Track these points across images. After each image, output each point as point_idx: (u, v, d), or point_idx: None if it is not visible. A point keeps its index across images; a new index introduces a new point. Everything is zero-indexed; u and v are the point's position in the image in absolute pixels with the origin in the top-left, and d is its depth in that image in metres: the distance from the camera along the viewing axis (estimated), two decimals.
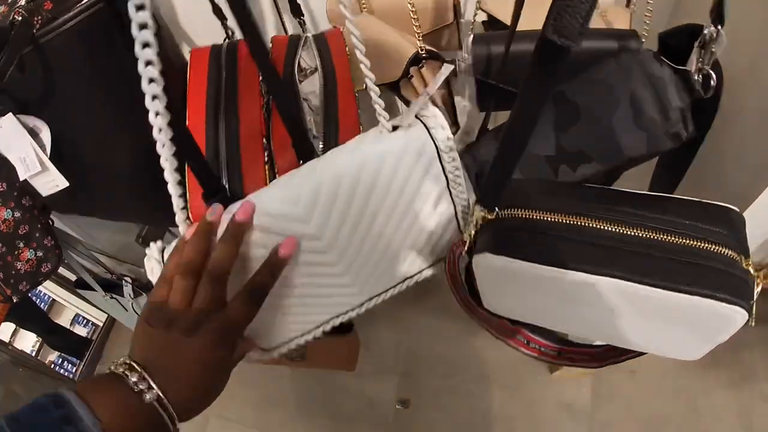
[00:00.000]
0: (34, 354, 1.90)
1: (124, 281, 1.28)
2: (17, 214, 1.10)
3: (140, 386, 0.39)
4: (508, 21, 0.80)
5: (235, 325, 0.46)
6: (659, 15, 0.75)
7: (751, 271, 0.43)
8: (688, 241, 0.44)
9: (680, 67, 0.58)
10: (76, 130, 0.88)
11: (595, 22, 0.83)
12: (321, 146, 0.67)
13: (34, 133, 0.86)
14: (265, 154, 0.67)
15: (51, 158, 0.87)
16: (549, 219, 0.48)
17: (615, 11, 0.86)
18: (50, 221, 1.17)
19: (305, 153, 0.56)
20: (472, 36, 0.75)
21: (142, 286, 1.29)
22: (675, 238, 0.45)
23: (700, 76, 0.56)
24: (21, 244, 1.12)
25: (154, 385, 0.40)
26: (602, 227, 0.46)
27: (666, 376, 1.44)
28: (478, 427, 1.49)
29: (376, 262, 0.57)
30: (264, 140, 0.68)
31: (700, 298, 0.41)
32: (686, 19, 0.58)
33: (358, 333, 1.13)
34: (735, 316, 0.42)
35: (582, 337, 0.56)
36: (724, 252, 0.43)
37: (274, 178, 0.66)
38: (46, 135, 0.87)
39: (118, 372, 0.40)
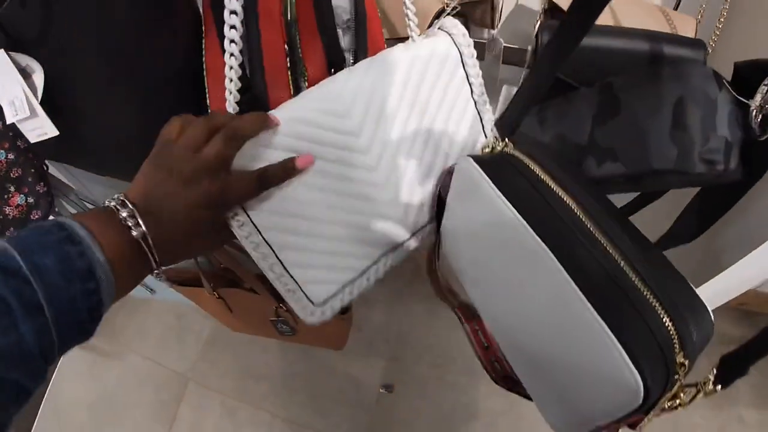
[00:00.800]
0: None
1: None
2: (11, 156, 1.05)
3: (129, 222, 0.42)
4: None
5: (232, 194, 0.47)
6: (727, 31, 0.72)
7: (681, 372, 0.38)
8: (640, 286, 0.39)
9: (741, 99, 0.54)
10: (76, 77, 0.81)
11: (661, 26, 0.80)
12: (351, 60, 0.66)
13: (26, 74, 0.80)
14: (287, 60, 0.63)
15: (42, 103, 0.82)
16: (543, 178, 0.45)
17: (681, 18, 0.83)
18: (45, 166, 1.12)
19: (337, 59, 0.59)
20: (539, 23, 0.72)
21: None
22: (631, 272, 0.40)
23: (761, 115, 0.53)
24: (12, 188, 1.07)
25: (141, 223, 0.42)
26: (577, 212, 0.43)
27: None
28: (461, 418, 1.48)
29: (413, 178, 0.57)
30: (286, 47, 0.63)
31: (612, 337, 0.36)
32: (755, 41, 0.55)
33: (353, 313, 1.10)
34: (631, 384, 0.36)
35: (480, 307, 0.55)
36: (666, 327, 0.38)
37: (298, 85, 0.63)
38: (39, 77, 0.81)
39: (111, 206, 0.43)
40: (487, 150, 0.51)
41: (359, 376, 1.57)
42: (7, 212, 1.07)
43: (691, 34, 0.80)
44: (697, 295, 0.42)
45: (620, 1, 0.81)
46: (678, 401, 0.40)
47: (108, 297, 0.41)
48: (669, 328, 0.38)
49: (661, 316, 0.38)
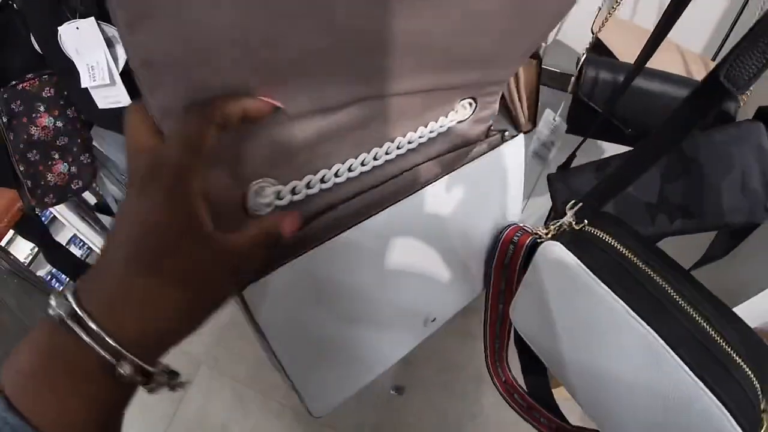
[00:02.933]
0: (26, 265, 1.87)
1: None
2: (59, 124, 1.06)
3: (54, 301, 0.25)
4: (619, 53, 0.82)
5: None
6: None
7: (764, 417, 0.42)
8: (725, 346, 0.42)
9: None
10: None
11: (686, 71, 0.83)
12: None
13: (110, 44, 0.82)
14: None
15: (121, 74, 0.83)
16: (626, 254, 0.47)
17: (709, 63, 0.86)
18: (90, 138, 1.12)
19: None
20: (585, 56, 0.74)
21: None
22: (716, 334, 0.43)
23: None
24: (56, 156, 1.08)
25: (68, 293, 0.25)
26: (662, 284, 0.46)
27: None
28: (467, 427, 1.49)
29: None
30: None
31: (712, 397, 0.39)
32: None
33: None
34: None
35: (576, 384, 0.54)
36: (751, 380, 0.42)
37: None
38: (122, 48, 0.82)
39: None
40: (564, 228, 0.51)
41: None
42: (48, 179, 1.08)
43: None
44: (764, 344, 0.46)
45: (664, 47, 0.84)
46: None
47: None
48: (754, 383, 0.41)
49: (747, 372, 0.41)
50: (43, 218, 1.98)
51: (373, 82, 0.35)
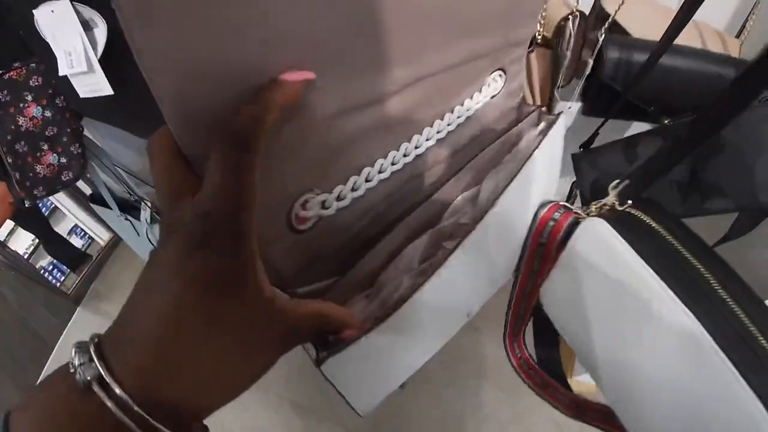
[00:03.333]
0: (27, 257, 1.86)
1: (143, 204, 1.22)
2: (47, 114, 1.03)
3: (78, 360, 0.22)
4: (633, 30, 0.79)
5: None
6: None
7: None
8: None
9: None
10: None
11: (708, 45, 0.80)
12: None
13: (88, 27, 0.77)
14: None
15: (101, 60, 0.79)
16: (671, 241, 0.45)
17: (726, 38, 0.82)
18: (80, 128, 1.10)
19: None
20: (603, 36, 0.71)
21: (160, 212, 1.23)
22: (759, 334, 0.40)
23: None
24: (45, 147, 1.05)
25: (95, 358, 0.22)
26: (709, 278, 0.43)
27: None
28: (469, 423, 1.47)
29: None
30: None
31: (753, 396, 0.37)
32: None
33: None
34: None
35: (604, 372, 0.51)
36: None
37: None
38: (101, 32, 0.78)
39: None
40: (605, 207, 0.48)
41: None
42: (38, 170, 1.05)
43: (735, 54, 0.80)
44: None
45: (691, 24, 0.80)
46: None
47: None
48: None
49: None
50: (43, 209, 1.97)
51: (409, 63, 0.33)
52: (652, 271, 0.42)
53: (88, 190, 1.36)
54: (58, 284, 1.88)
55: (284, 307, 0.26)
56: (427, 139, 0.39)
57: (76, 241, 1.97)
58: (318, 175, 0.32)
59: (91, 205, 1.31)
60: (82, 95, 0.85)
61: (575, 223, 0.49)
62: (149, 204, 1.21)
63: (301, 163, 0.30)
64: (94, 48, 0.77)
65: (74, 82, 0.83)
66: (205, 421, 0.26)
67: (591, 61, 0.74)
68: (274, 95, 0.24)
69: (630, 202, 0.47)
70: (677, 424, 0.43)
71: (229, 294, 0.24)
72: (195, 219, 0.23)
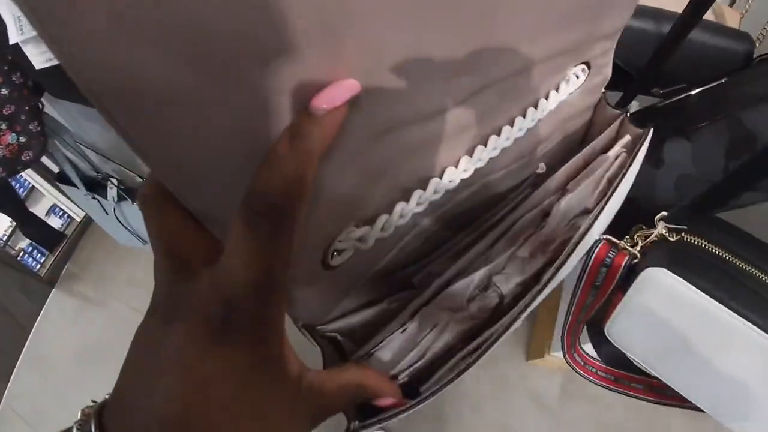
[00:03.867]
0: (5, 239, 1.84)
1: (109, 182, 1.19)
2: (4, 92, 0.99)
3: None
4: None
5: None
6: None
7: None
8: None
9: None
10: None
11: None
12: None
13: None
14: None
15: None
16: (729, 258, 0.45)
17: (726, 10, 0.80)
18: (40, 104, 1.07)
19: None
20: None
21: (127, 190, 1.21)
22: None
23: None
24: (3, 126, 1.01)
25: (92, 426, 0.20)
26: None
27: None
28: (447, 397, 1.47)
29: None
30: None
31: None
32: None
33: None
34: None
35: (695, 399, 0.51)
36: None
37: None
38: None
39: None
40: (650, 243, 0.48)
41: None
42: None
43: (735, 26, 0.78)
44: None
45: None
46: None
47: None
48: None
49: None
50: (21, 189, 1.94)
51: (478, 69, 0.26)
52: (723, 306, 0.42)
53: (56, 168, 1.33)
54: (38, 266, 1.86)
55: (313, 385, 0.23)
56: (493, 149, 0.32)
57: (55, 221, 1.95)
58: (358, 207, 0.26)
59: (59, 184, 1.29)
60: (37, 66, 0.82)
61: (631, 267, 0.48)
62: (115, 182, 1.18)
63: (338, 198, 0.24)
64: None
65: (27, 52, 0.80)
66: None
67: None
68: (312, 138, 0.18)
69: (683, 233, 0.46)
70: None
71: (254, 387, 0.20)
72: (213, 306, 0.18)
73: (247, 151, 0.18)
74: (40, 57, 0.79)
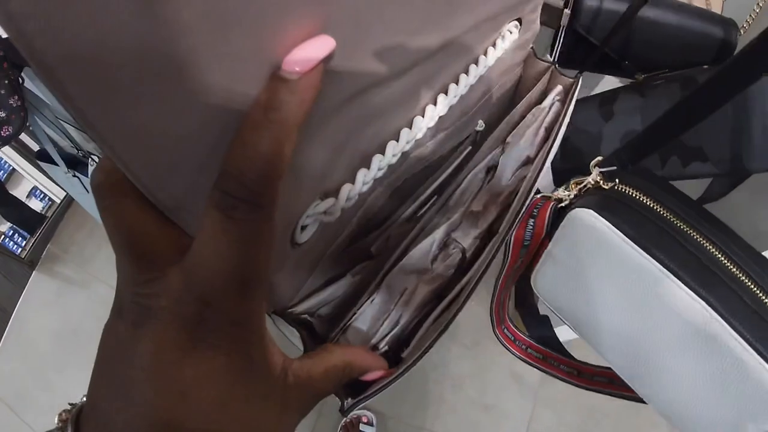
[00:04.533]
0: None
1: (90, 159, 1.18)
2: None
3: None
4: None
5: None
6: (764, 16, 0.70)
7: None
8: None
9: None
10: None
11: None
12: None
13: None
14: None
15: None
16: (660, 211, 0.43)
17: None
18: (21, 79, 1.05)
19: None
20: None
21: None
22: (765, 297, 0.40)
23: None
24: None
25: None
26: (706, 245, 0.42)
27: None
28: (429, 378, 1.49)
29: None
30: None
31: (765, 366, 0.37)
32: None
33: None
34: None
35: (609, 360, 0.50)
36: None
37: None
38: None
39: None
40: (585, 189, 0.46)
41: None
42: None
43: (717, 10, 0.77)
44: None
45: None
46: None
47: None
48: None
49: None
50: (1, 172, 1.91)
51: (439, 27, 0.26)
52: (648, 255, 0.41)
53: (36, 147, 1.32)
54: (19, 250, 1.84)
55: (300, 376, 0.22)
56: (443, 107, 0.32)
57: (36, 204, 1.93)
58: (325, 179, 0.26)
59: (38, 162, 1.28)
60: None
61: (558, 211, 0.47)
62: (96, 159, 1.18)
63: (307, 172, 0.23)
64: None
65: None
66: None
67: (568, 11, 0.72)
68: (288, 107, 0.16)
69: (617, 180, 0.44)
70: (694, 397, 0.43)
71: (237, 392, 0.18)
72: (186, 306, 0.17)
73: (223, 124, 0.16)
74: None
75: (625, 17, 0.61)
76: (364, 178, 0.28)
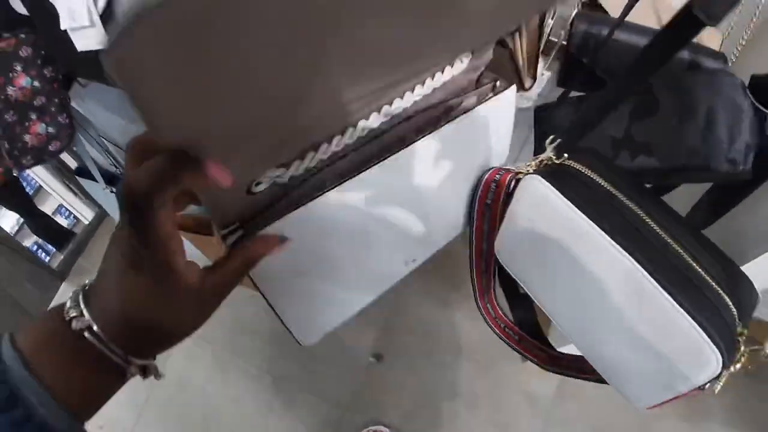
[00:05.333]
0: (13, 234, 1.87)
1: None
2: (36, 84, 1.05)
3: (72, 313, 0.32)
4: (611, 9, 0.83)
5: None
6: (748, 48, 0.75)
7: (741, 340, 0.44)
8: (702, 272, 0.44)
9: (761, 108, 0.61)
10: None
11: (659, 24, 0.84)
12: None
13: None
14: None
15: (102, 16, 0.83)
16: (602, 184, 0.49)
17: (709, 32, 0.86)
18: (67, 98, 1.12)
19: None
20: (575, 11, 0.75)
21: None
22: (693, 261, 0.45)
23: None
24: (34, 116, 1.07)
25: (85, 313, 0.31)
26: (640, 214, 0.47)
27: None
28: (444, 395, 1.51)
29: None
30: None
31: (691, 321, 0.41)
32: None
33: None
34: (711, 359, 0.41)
35: (557, 322, 0.55)
36: (728, 304, 0.44)
37: None
38: None
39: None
40: (545, 162, 0.52)
41: (350, 342, 1.58)
42: (26, 140, 1.07)
43: (715, 47, 0.83)
44: (743, 273, 0.48)
45: (664, 6, 0.85)
46: (740, 363, 0.44)
47: (60, 420, 0.30)
48: (731, 307, 0.44)
49: (725, 298, 0.44)
50: (28, 188, 1.98)
51: (403, 65, 0.38)
52: (587, 218, 0.46)
53: (74, 165, 1.38)
54: (49, 258, 1.90)
55: (216, 283, 0.34)
56: (384, 117, 0.42)
57: (61, 222, 1.98)
58: (279, 154, 0.37)
59: (77, 177, 1.34)
60: (79, 48, 0.88)
61: (517, 182, 0.53)
62: None
63: (266, 144, 0.34)
64: (95, 1, 0.81)
65: (73, 36, 0.87)
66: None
67: (563, 33, 0.79)
68: (175, 183, 0.28)
69: (566, 156, 0.51)
70: (633, 356, 0.47)
71: (157, 292, 0.32)
72: (122, 250, 0.31)
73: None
74: (82, 42, 0.87)
75: (603, 40, 0.69)
76: (311, 159, 0.39)
